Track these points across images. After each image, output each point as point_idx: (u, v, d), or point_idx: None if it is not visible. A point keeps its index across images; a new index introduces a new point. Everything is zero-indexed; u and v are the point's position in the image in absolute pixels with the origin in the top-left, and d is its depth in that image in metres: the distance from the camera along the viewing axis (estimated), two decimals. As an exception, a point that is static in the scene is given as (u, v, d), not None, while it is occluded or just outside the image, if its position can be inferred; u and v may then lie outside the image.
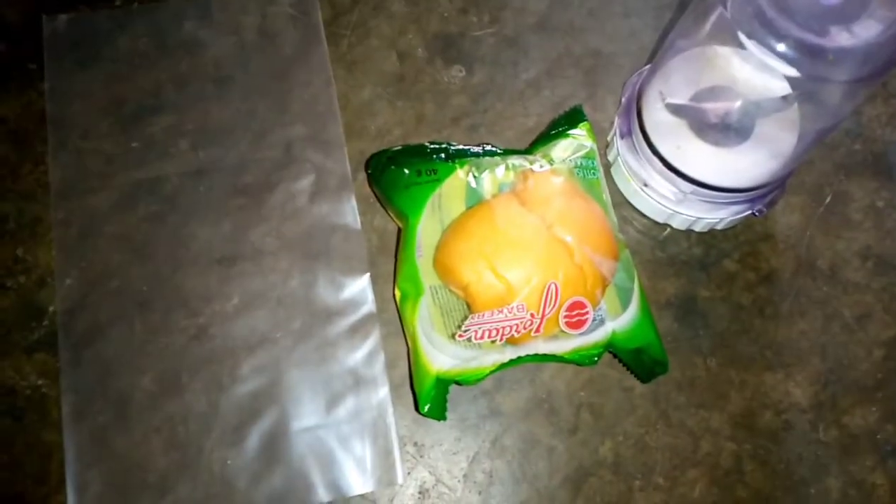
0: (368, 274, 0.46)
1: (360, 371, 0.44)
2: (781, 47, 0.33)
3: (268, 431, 0.42)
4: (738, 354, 0.46)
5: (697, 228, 0.47)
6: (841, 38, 0.33)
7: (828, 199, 0.50)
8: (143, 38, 0.50)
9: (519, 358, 0.42)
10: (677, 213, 0.46)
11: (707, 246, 0.49)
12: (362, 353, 0.44)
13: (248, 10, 0.51)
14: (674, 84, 0.43)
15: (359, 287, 0.46)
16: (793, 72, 0.34)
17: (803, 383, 0.46)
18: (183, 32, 0.51)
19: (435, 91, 0.52)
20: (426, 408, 0.40)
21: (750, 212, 0.46)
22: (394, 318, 0.45)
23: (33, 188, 0.47)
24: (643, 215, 0.48)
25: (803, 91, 0.38)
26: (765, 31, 0.33)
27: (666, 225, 0.48)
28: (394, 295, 0.44)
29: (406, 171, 0.44)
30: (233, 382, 0.43)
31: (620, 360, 0.44)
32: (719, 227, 0.47)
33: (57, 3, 0.51)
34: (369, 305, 0.45)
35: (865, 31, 0.33)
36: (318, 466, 0.42)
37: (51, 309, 0.44)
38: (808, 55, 0.33)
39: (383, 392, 0.44)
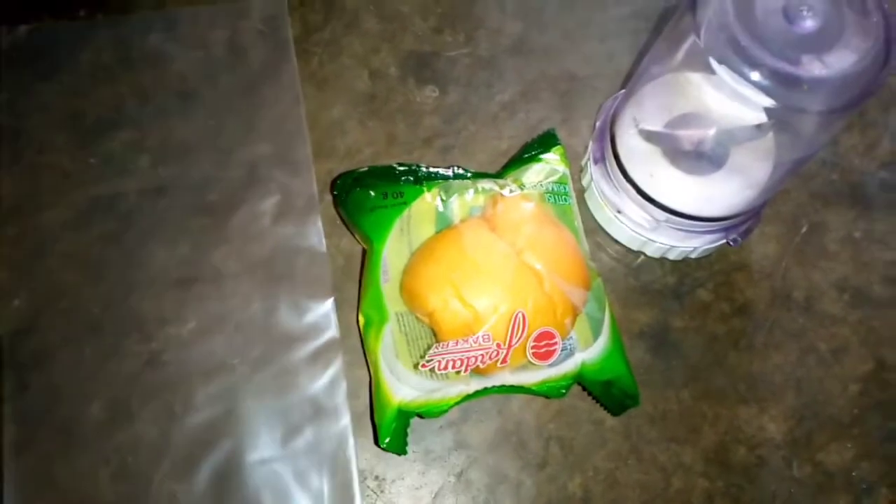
0: (333, 298, 0.45)
1: (320, 400, 0.42)
2: (755, 76, 0.32)
3: (221, 463, 0.40)
4: (711, 387, 0.45)
5: (671, 256, 0.46)
6: (815, 67, 0.32)
7: (804, 230, 0.50)
8: (106, 50, 0.49)
9: (485, 389, 0.40)
10: (651, 240, 0.45)
11: (681, 274, 0.48)
12: (323, 382, 0.43)
13: (216, 24, 0.50)
14: (647, 110, 0.42)
15: (322, 312, 0.44)
16: (767, 101, 0.33)
17: (778, 418, 0.45)
18: (148, 46, 0.49)
19: (407, 111, 0.50)
20: (386, 441, 0.38)
21: (724, 241, 0.45)
22: (357, 345, 0.44)
23: (-16, 204, 0.45)
24: (617, 242, 0.47)
25: (778, 120, 0.37)
26: (738, 58, 0.32)
27: (640, 252, 0.47)
28: (357, 321, 0.43)
29: (372, 192, 0.42)
30: (186, 411, 0.41)
31: (590, 393, 0.43)
32: (693, 255, 0.46)
33: (18, 13, 0.50)
34: (332, 331, 0.44)
35: (840, 61, 0.32)
36: (273, 501, 0.40)
37: (-4, 331, 0.42)
38: (781, 84, 0.32)
39: (344, 423, 0.42)
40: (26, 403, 0.41)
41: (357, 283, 0.45)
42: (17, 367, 0.41)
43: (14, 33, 0.49)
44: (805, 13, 0.33)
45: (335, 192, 0.44)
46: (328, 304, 0.44)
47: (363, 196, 0.42)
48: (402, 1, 0.53)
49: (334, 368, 0.43)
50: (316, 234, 0.46)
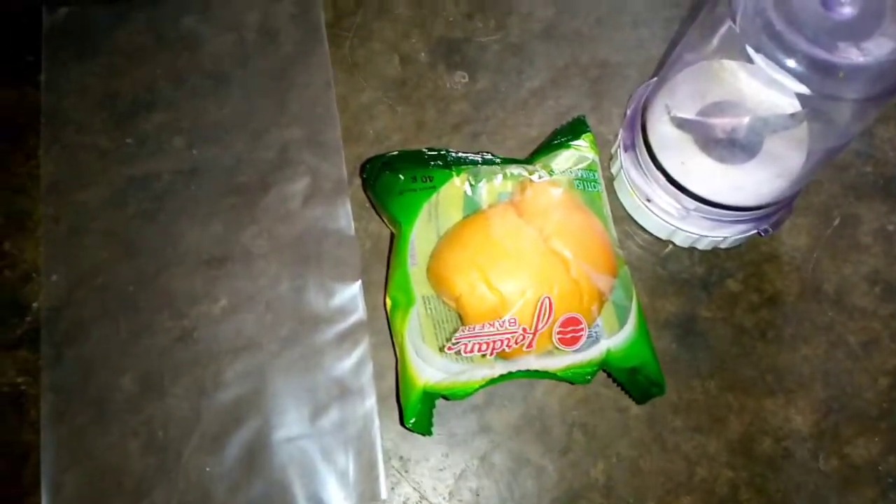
0: (360, 281, 0.45)
1: (346, 381, 0.43)
2: (790, 63, 0.32)
3: (249, 440, 0.41)
4: (738, 378, 0.45)
5: (700, 246, 0.46)
6: (852, 54, 0.32)
7: (836, 222, 0.49)
8: (141, 32, 0.50)
9: (510, 373, 0.40)
10: (680, 229, 0.44)
11: (710, 265, 0.47)
12: (350, 363, 0.43)
13: (249, 7, 0.51)
14: (680, 97, 0.41)
15: (350, 294, 0.45)
16: (802, 88, 0.33)
17: (805, 410, 0.44)
18: (182, 27, 0.50)
19: (436, 97, 0.50)
20: (411, 421, 0.39)
21: (755, 231, 0.44)
22: (384, 327, 0.44)
23: (24, 182, 0.46)
24: (645, 231, 0.47)
25: (812, 108, 0.37)
26: (773, 45, 0.32)
27: (668, 241, 0.47)
28: (384, 303, 0.43)
29: (401, 176, 0.43)
30: (216, 387, 0.42)
31: (615, 380, 0.43)
32: (723, 245, 0.46)
33: (58, -5, 0.51)
34: (360, 313, 0.44)
35: (878, 49, 0.32)
36: (300, 478, 0.41)
37: (35, 305, 0.43)
38: (817, 71, 0.32)
39: (370, 403, 0.42)
40: (62, 375, 0.42)
41: (384, 266, 0.45)
42: (53, 341, 0.42)
43: (53, 15, 0.50)
44: (841, 1, 0.32)
45: (364, 176, 0.45)
46: (356, 287, 0.45)
47: (392, 179, 0.43)
48: (433, -14, 0.53)
49: (361, 350, 0.44)
50: (345, 216, 0.46)
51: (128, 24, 0.50)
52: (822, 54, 0.32)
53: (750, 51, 0.33)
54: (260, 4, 0.51)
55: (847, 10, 0.32)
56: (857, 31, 0.32)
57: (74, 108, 0.48)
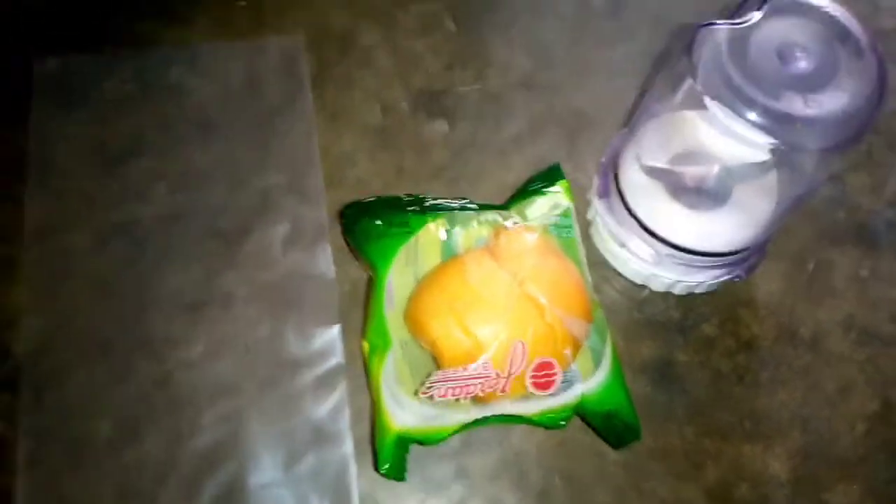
0: (339, 325, 0.45)
1: (323, 426, 0.43)
2: (750, 115, 0.33)
3: (224, 486, 0.41)
4: (715, 423, 0.45)
5: (676, 291, 0.47)
6: (808, 106, 0.33)
7: (811, 267, 0.50)
8: (129, 82, 0.51)
9: (485, 418, 0.40)
10: (655, 274, 0.45)
11: (686, 309, 0.48)
12: (327, 407, 0.43)
13: (235, 59, 0.52)
14: (649, 147, 0.43)
15: (328, 338, 0.45)
16: (762, 139, 0.34)
17: (782, 456, 0.44)
18: (169, 78, 0.51)
19: (416, 144, 0.52)
20: (385, 467, 0.39)
21: (729, 277, 0.45)
22: (361, 371, 0.44)
23: (8, 227, 0.47)
24: (622, 276, 0.48)
25: (777, 157, 0.38)
26: (733, 98, 0.33)
27: (644, 286, 0.47)
28: (361, 347, 0.43)
29: (378, 221, 0.43)
30: (192, 432, 0.42)
31: (591, 426, 0.43)
32: (698, 290, 0.46)
33: (48, 45, 0.52)
34: (338, 357, 0.45)
35: (832, 102, 0.33)
36: (274, 525, 0.40)
37: (15, 349, 0.44)
38: (775, 123, 0.33)
39: (346, 448, 0.42)
40: (40, 420, 0.42)
41: (362, 310, 0.46)
42: (32, 385, 0.42)
43: (43, 65, 0.52)
44: (798, 54, 0.34)
45: (343, 220, 0.46)
46: (335, 331, 0.45)
47: (369, 225, 0.43)
48: (414, 40, 0.55)
49: (338, 394, 0.44)
50: (325, 261, 0.47)
51: (115, 74, 0.51)
52: (779, 107, 0.33)
53: (710, 103, 0.34)
54: (245, 56, 0.52)
55: (802, 65, 0.34)
56: (812, 84, 0.33)
57: (62, 154, 0.49)
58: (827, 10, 0.35)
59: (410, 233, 0.43)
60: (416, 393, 0.40)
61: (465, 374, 0.39)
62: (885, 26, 0.58)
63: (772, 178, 0.42)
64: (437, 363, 0.41)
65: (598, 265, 0.48)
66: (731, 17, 0.35)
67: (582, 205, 0.49)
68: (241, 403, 0.43)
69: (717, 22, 0.35)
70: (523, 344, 0.39)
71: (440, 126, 0.52)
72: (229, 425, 0.42)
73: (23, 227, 0.47)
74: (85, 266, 0.46)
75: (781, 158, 0.38)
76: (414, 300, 0.42)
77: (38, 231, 0.47)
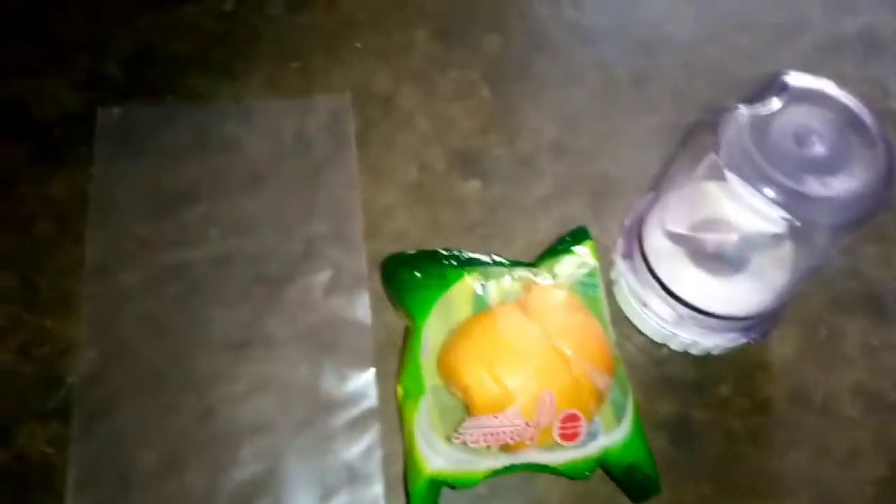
0: (374, 369, 0.48)
1: (356, 465, 0.45)
2: (767, 191, 0.36)
3: (260, 520, 0.43)
4: (730, 481, 0.47)
5: (694, 351, 0.49)
6: (822, 188, 0.36)
7: (823, 334, 0.52)
8: (187, 133, 0.55)
9: (513, 466, 0.42)
10: (675, 334, 0.48)
11: (702, 369, 0.50)
12: (360, 448, 0.45)
13: (286, 115, 0.56)
14: (672, 214, 0.46)
15: (363, 381, 0.47)
16: (778, 213, 0.37)
17: (794, 516, 0.46)
18: (224, 131, 0.55)
19: (451, 201, 0.55)
20: (417, 508, 0.41)
21: (745, 339, 0.47)
22: (394, 415, 0.46)
23: (69, 264, 0.50)
24: (642, 334, 0.50)
25: (792, 231, 0.41)
26: (753, 175, 0.37)
27: (664, 345, 0.50)
28: (396, 392, 0.46)
29: (418, 274, 0.46)
30: (232, 466, 0.44)
31: (613, 478, 0.45)
32: (715, 351, 0.49)
33: (113, 95, 0.56)
34: (371, 400, 0.47)
35: (843, 185, 0.36)
36: (306, 560, 0.42)
37: (69, 379, 0.46)
38: (791, 200, 0.36)
39: (377, 489, 0.44)
40: (89, 448, 0.44)
41: (397, 356, 0.48)
42: (84, 413, 0.45)
43: (108, 113, 0.56)
44: (814, 140, 0.37)
45: (384, 271, 0.49)
46: (370, 374, 0.48)
47: (409, 276, 0.46)
48: (451, 104, 0.59)
49: (371, 436, 0.46)
50: (362, 308, 0.50)
51: (174, 126, 0.55)
52: (795, 186, 0.36)
53: (731, 177, 0.37)
54: (296, 113, 0.56)
55: (817, 149, 0.37)
56: (826, 167, 0.37)
57: (120, 198, 0.52)
58: (841, 99, 0.38)
59: (447, 285, 0.46)
60: (448, 438, 0.42)
61: (497, 422, 0.41)
62: (895, 108, 0.61)
63: (787, 249, 0.45)
64: (468, 410, 0.43)
65: (620, 323, 0.51)
66: (753, 101, 0.38)
67: (605, 264, 0.52)
68: (278, 440, 0.45)
69: (741, 107, 0.38)
70: (551, 395, 0.42)
71: (474, 185, 0.56)
72: (266, 461, 0.45)
73: (82, 263, 0.50)
74: (138, 303, 0.49)
75: (796, 232, 0.41)
76: (447, 349, 0.45)
77: (96, 268, 0.50)
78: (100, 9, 0.60)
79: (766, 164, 0.36)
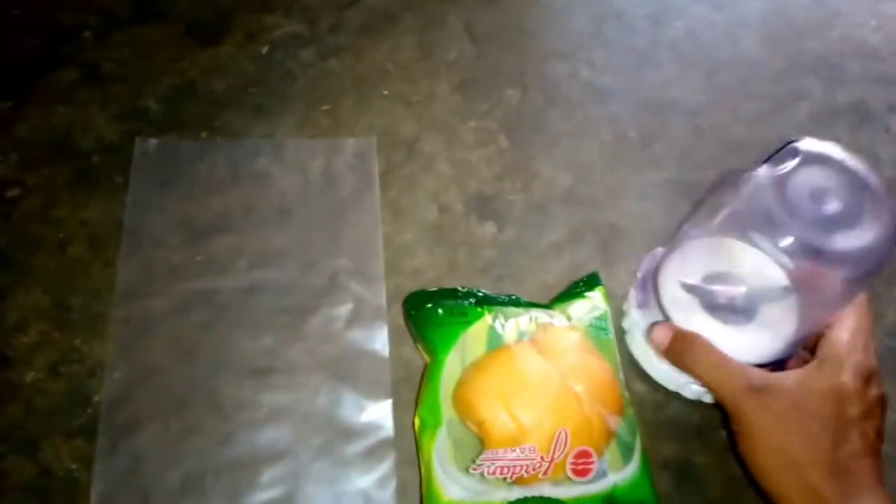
0: (391, 400, 0.50)
1: (371, 493, 0.46)
2: (784, 244, 0.39)
3: (278, 543, 0.44)
4: (730, 523, 0.48)
5: (707, 399, 0.51)
6: (836, 241, 0.39)
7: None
8: (220, 167, 0.57)
9: (525, 499, 0.44)
10: (689, 382, 0.50)
11: (705, 414, 0.52)
12: (375, 477, 0.47)
13: (315, 154, 0.59)
14: (687, 266, 0.48)
15: (380, 411, 0.49)
16: (793, 265, 0.40)
17: (792, 559, 0.47)
18: (256, 166, 0.58)
19: (468, 242, 0.58)
20: (434, 536, 0.42)
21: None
22: (408, 445, 0.48)
23: (100, 286, 0.52)
24: (648, 378, 0.52)
25: (798, 283, 0.44)
26: (771, 229, 0.40)
27: (676, 392, 0.52)
28: (413, 423, 0.47)
29: (440, 311, 0.49)
30: (250, 490, 0.45)
31: (619, 514, 0.46)
32: None
33: (151, 128, 0.59)
34: (388, 430, 0.48)
35: (857, 239, 0.39)
36: (322, 585, 0.43)
37: (96, 399, 0.48)
38: (806, 253, 0.39)
39: (392, 518, 0.46)
40: (113, 466, 0.45)
41: (412, 388, 0.50)
42: (109, 433, 0.46)
43: (144, 145, 0.58)
44: (828, 198, 0.40)
45: (406, 307, 0.51)
46: (386, 405, 0.49)
47: (432, 313, 0.49)
48: (471, 151, 0.62)
49: (387, 465, 0.47)
50: (381, 340, 0.52)
51: (208, 159, 0.58)
52: (811, 239, 0.39)
53: (750, 231, 0.40)
54: (324, 153, 0.59)
55: (833, 206, 0.40)
56: (840, 223, 0.40)
57: (153, 226, 0.54)
58: (848, 161, 0.42)
59: (468, 322, 0.48)
60: (466, 469, 0.44)
61: (514, 455, 0.43)
62: (887, 175, 0.65)
63: (792, 301, 0.47)
64: (483, 443, 0.45)
65: (628, 367, 0.53)
66: (770, 162, 0.42)
67: (614, 310, 0.54)
68: (296, 466, 0.47)
69: (760, 167, 0.42)
70: (566, 431, 0.44)
71: (490, 228, 0.58)
72: (285, 486, 0.46)
73: (113, 287, 0.52)
74: (166, 328, 0.50)
75: (803, 285, 0.44)
76: (464, 383, 0.47)
77: (127, 293, 0.51)
78: (145, 47, 0.63)
79: (785, 218, 0.39)
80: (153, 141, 0.58)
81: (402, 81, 0.64)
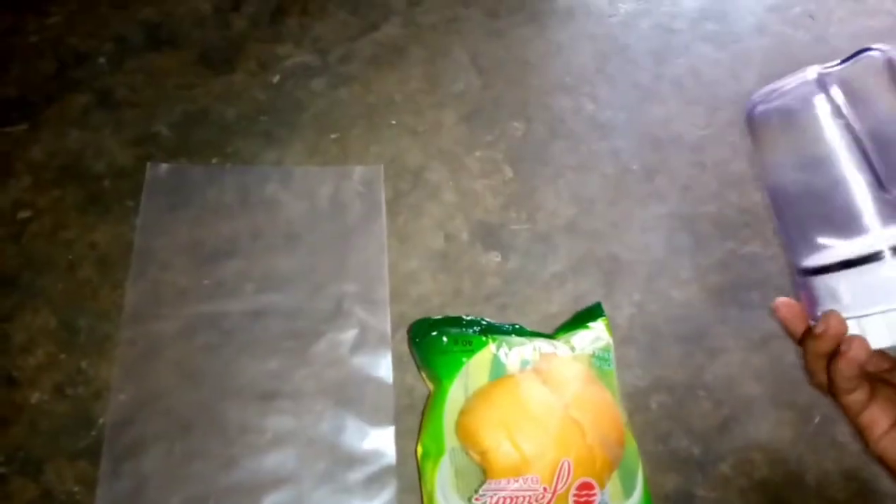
0: (394, 427, 0.50)
1: (373, 521, 0.46)
2: None
3: (279, 569, 0.44)
4: (730, 557, 0.49)
5: None
6: None
7: (816, 420, 0.55)
8: (229, 192, 0.58)
9: (527, 529, 0.44)
10: None
11: (705, 448, 0.52)
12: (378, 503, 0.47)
13: (323, 181, 0.60)
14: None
15: (383, 439, 0.49)
16: None
17: None
18: (265, 193, 0.59)
19: (472, 270, 0.58)
20: (436, 565, 0.42)
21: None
22: (410, 473, 0.48)
23: (108, 309, 0.52)
24: (652, 409, 0.53)
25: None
26: None
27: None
28: (415, 451, 0.48)
29: (445, 339, 0.49)
30: (253, 515, 0.46)
31: (620, 546, 0.46)
32: None
33: (162, 153, 0.60)
34: (390, 458, 0.49)
35: None
36: None
37: (101, 421, 0.48)
38: None
39: (393, 545, 0.46)
40: (116, 489, 0.45)
41: (415, 415, 0.50)
42: (113, 455, 0.46)
43: (155, 170, 0.59)
44: None
45: (411, 334, 0.51)
46: (389, 432, 0.50)
47: (437, 341, 0.49)
48: (476, 181, 0.63)
49: (388, 493, 0.47)
50: (385, 367, 0.52)
51: (218, 184, 0.59)
52: None
53: None
54: (332, 180, 0.60)
55: None
56: None
57: (162, 249, 0.55)
58: None
59: (473, 351, 0.49)
60: (469, 499, 0.44)
61: (516, 485, 0.43)
62: None
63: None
64: (485, 472, 0.45)
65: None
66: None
67: (616, 340, 0.55)
68: (299, 491, 0.47)
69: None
70: (569, 462, 0.44)
71: (494, 257, 0.59)
72: (287, 512, 0.46)
73: (121, 309, 0.52)
74: (173, 350, 0.51)
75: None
76: (467, 412, 0.47)
77: (135, 315, 0.52)
78: (158, 74, 0.65)
79: None
80: (164, 166, 0.59)
81: (410, 111, 0.65)
